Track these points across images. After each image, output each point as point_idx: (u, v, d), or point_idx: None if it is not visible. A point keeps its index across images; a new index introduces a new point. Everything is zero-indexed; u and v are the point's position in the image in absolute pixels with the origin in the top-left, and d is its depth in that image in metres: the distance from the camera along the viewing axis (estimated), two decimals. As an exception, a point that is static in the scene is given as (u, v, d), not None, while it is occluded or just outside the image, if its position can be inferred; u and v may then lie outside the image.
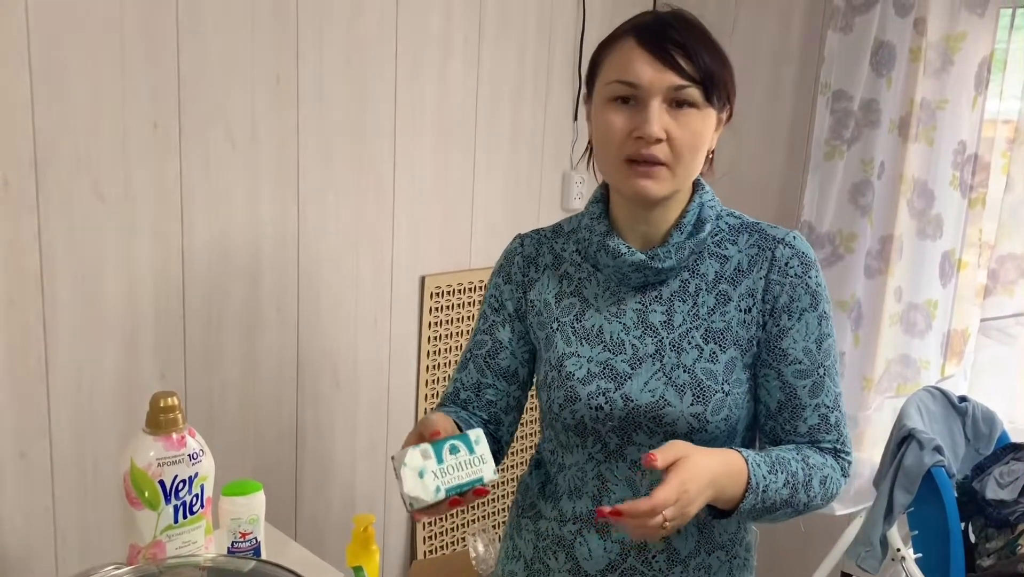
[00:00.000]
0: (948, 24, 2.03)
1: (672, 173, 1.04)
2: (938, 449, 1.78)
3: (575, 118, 2.35)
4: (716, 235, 1.12)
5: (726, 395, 1.05)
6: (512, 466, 2.39)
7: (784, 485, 1.01)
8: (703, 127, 1.04)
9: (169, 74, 1.58)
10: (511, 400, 1.21)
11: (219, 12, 1.63)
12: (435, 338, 2.14)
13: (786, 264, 1.08)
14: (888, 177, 2.13)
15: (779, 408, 1.09)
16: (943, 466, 1.79)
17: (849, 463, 1.11)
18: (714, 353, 1.06)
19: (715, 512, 1.01)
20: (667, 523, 0.91)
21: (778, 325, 1.07)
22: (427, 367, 2.14)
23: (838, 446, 1.09)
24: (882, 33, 2.06)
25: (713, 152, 1.12)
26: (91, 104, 1.50)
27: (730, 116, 1.11)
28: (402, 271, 2.05)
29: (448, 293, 2.15)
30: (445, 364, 2.18)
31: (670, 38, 1.02)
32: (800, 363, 1.07)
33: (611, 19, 2.37)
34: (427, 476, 0.93)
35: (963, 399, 2.03)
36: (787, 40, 2.29)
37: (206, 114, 1.64)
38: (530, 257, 1.20)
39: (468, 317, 2.21)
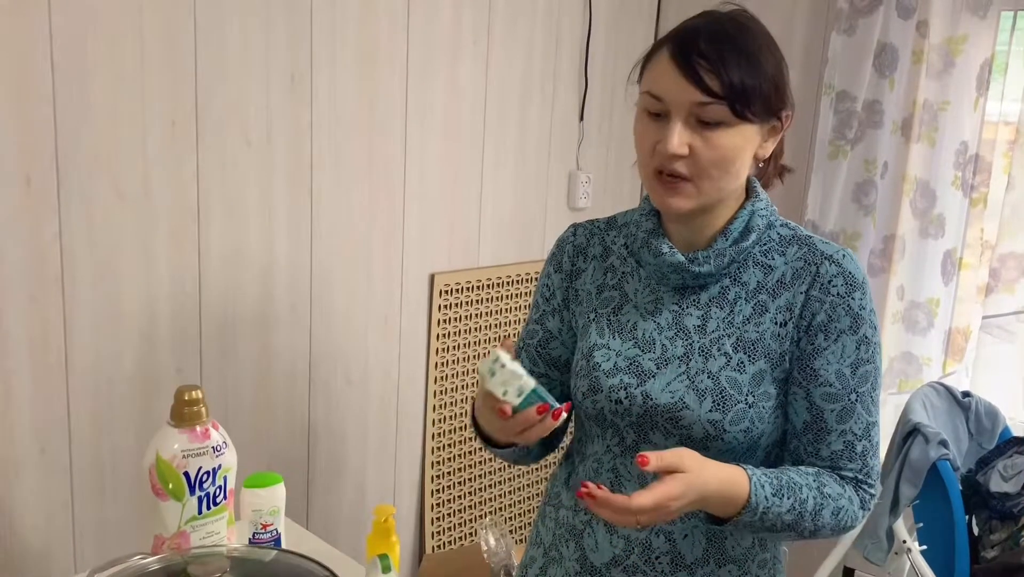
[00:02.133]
0: (950, 26, 2.06)
1: (697, 188, 1.03)
2: (943, 443, 1.81)
3: (581, 118, 2.38)
4: (764, 244, 1.10)
5: (749, 407, 1.04)
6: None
7: (788, 511, 0.99)
8: (734, 143, 1.01)
9: (187, 73, 1.60)
10: (565, 389, 1.21)
11: (235, 12, 1.65)
12: (444, 335, 2.17)
13: (829, 282, 1.05)
14: (891, 177, 2.16)
15: (804, 429, 1.07)
16: (948, 459, 1.82)
17: (871, 496, 1.07)
18: (742, 363, 1.05)
19: (711, 517, 1.01)
20: (639, 524, 0.92)
21: (812, 344, 1.05)
22: (436, 364, 2.17)
23: (860, 476, 1.06)
24: (885, 35, 2.09)
25: (769, 160, 1.10)
26: (111, 103, 1.52)
27: (783, 124, 1.07)
28: (412, 269, 2.07)
29: (457, 291, 2.17)
30: (453, 361, 2.20)
31: (699, 50, 0.99)
32: (830, 385, 1.05)
33: (617, 21, 2.40)
34: (517, 365, 0.97)
35: (966, 394, 2.06)
36: (791, 42, 2.32)
37: (223, 113, 1.66)
38: (580, 247, 1.20)
39: (476, 314, 2.23)
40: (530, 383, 0.96)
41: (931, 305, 2.18)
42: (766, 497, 0.98)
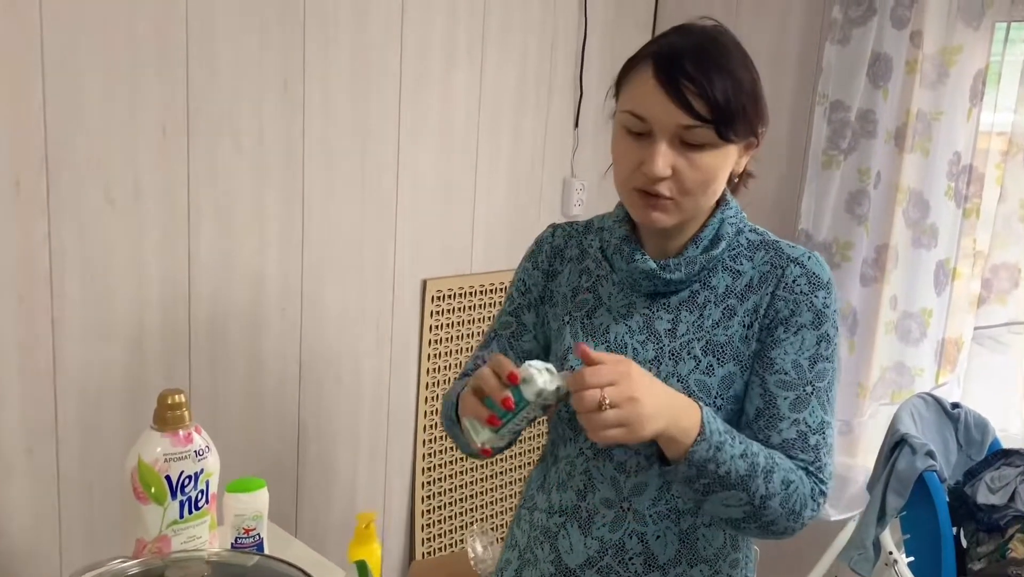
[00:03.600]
0: (944, 37, 2.06)
1: (678, 206, 1.04)
2: (930, 454, 1.81)
3: (575, 125, 2.38)
4: (733, 249, 1.11)
5: (718, 409, 1.05)
6: (520, 467, 2.42)
7: (741, 457, 0.97)
8: (716, 163, 1.02)
9: (179, 79, 1.61)
10: None
11: (228, 18, 1.66)
12: (435, 341, 2.17)
13: (793, 282, 1.06)
14: (884, 187, 2.16)
15: (756, 415, 1.06)
16: (935, 470, 1.82)
17: (823, 492, 1.04)
18: (711, 366, 1.07)
19: (662, 459, 0.99)
20: (607, 402, 0.89)
21: (772, 336, 1.06)
22: (427, 370, 2.17)
23: (811, 468, 1.03)
24: (879, 45, 2.10)
25: (741, 175, 1.11)
26: (102, 108, 1.53)
27: (759, 141, 1.07)
28: (404, 275, 2.07)
29: (449, 297, 2.17)
30: (445, 367, 2.21)
31: (684, 71, 0.98)
32: (785, 373, 1.05)
33: (612, 28, 2.41)
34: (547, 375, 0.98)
35: (956, 405, 2.06)
36: (786, 51, 2.32)
37: (214, 119, 1.67)
38: (559, 248, 1.22)
39: (468, 321, 2.24)
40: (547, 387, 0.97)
41: (924, 315, 2.17)
42: (719, 431, 0.97)
